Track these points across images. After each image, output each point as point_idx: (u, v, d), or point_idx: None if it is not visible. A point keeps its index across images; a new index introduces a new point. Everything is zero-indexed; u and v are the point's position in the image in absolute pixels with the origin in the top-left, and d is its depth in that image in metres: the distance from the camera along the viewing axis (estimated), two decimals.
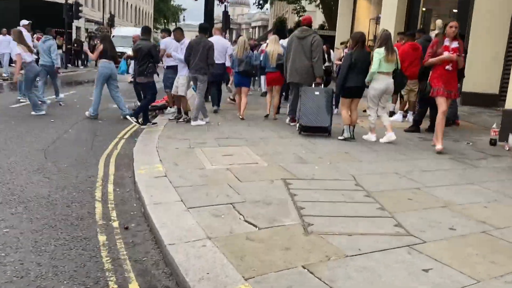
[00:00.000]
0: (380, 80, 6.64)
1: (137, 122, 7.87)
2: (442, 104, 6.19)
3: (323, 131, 7.11)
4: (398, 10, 12.41)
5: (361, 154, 5.90)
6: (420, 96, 7.87)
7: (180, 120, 8.17)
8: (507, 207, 4.00)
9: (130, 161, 5.44)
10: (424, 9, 12.93)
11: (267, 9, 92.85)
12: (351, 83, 6.74)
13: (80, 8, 25.35)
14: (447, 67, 6.15)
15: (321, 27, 28.98)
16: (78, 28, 45.32)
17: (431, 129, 7.75)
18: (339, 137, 6.89)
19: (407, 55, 8.53)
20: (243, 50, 8.81)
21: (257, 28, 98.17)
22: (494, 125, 6.77)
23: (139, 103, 8.98)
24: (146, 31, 8.27)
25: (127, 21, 55.93)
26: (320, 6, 31.18)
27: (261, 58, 9.13)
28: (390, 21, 12.52)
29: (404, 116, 9.08)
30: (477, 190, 4.50)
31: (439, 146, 6.15)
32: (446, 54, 6.12)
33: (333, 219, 3.50)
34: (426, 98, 7.64)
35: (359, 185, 4.46)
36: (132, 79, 10.03)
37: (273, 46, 8.71)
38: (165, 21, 75.21)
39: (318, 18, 43.92)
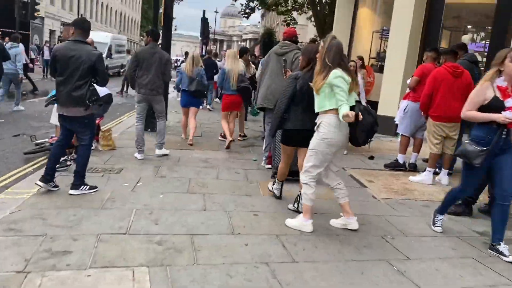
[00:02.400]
0: (339, 125, 3.64)
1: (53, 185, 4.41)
2: None
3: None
4: (414, 22, 9.43)
5: None
6: None
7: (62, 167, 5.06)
8: None
9: None
10: (445, 22, 9.99)
11: (259, 22, 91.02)
12: (293, 124, 4.12)
13: (54, 11, 22.06)
14: None
15: (313, 41, 26.03)
16: (52, 32, 42.20)
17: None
18: (289, 206, 4.38)
19: (440, 83, 5.53)
20: (192, 67, 7.02)
21: (248, 41, 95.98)
22: None
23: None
24: (80, 25, 4.47)
25: (110, 27, 52.78)
26: (312, 19, 28.48)
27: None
28: (402, 35, 9.52)
29: (435, 174, 5.95)
30: None
31: None
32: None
33: None
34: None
35: None
36: None
37: (233, 64, 7.00)
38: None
39: (310, 32, 41.35)
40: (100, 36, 26.45)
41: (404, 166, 6.46)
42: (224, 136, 7.89)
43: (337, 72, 3.56)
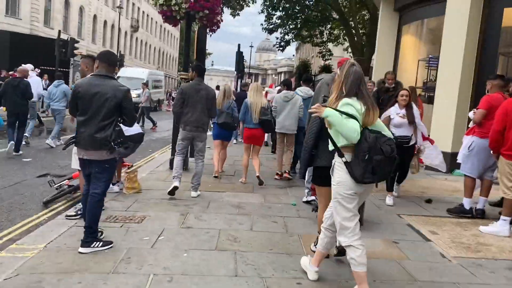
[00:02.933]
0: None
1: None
2: None
3: None
4: (467, 49, 8.58)
5: None
6: None
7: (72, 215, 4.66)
8: None
9: None
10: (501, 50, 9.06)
11: (293, 55, 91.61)
12: (323, 160, 3.62)
13: (95, 49, 22.63)
14: None
15: None
16: None
17: None
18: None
19: None
20: (223, 100, 6.94)
21: (282, 74, 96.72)
22: None
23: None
24: (105, 58, 3.94)
25: (149, 64, 54.29)
26: (349, 50, 27.90)
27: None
28: (454, 63, 8.68)
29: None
30: None
31: None
32: None
33: None
34: None
35: None
36: None
37: (255, 96, 6.81)
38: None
39: None
40: (137, 72, 26.96)
41: (471, 213, 5.50)
42: (280, 175, 7.41)
43: (346, 100, 3.03)
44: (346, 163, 2.96)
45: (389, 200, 5.93)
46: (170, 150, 8.11)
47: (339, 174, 3.04)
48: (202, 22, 7.55)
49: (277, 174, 7.45)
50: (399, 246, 4.27)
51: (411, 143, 5.85)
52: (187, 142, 5.94)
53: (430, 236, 4.66)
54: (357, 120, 2.93)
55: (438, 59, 9.38)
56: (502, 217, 4.88)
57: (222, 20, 8.16)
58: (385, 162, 2.92)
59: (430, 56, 11.30)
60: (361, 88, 3.09)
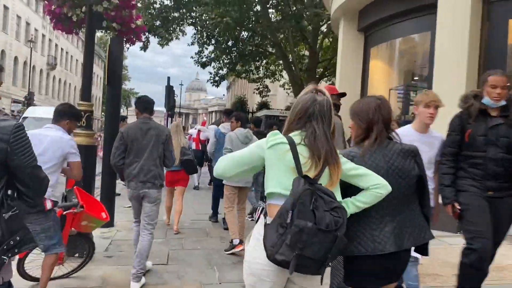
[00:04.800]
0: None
1: None
2: None
3: None
4: (469, 71, 6.70)
5: None
6: None
7: None
8: None
9: None
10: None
11: (223, 94, 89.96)
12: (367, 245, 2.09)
13: (3, 88, 18.69)
14: None
15: (288, 108, 23.68)
16: None
17: None
18: None
19: None
20: None
21: (214, 113, 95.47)
22: None
23: None
24: None
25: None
26: (285, 86, 26.44)
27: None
28: (452, 88, 6.70)
29: None
30: None
31: None
32: None
33: None
34: None
35: None
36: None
37: (175, 136, 5.77)
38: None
39: (280, 100, 39.41)
40: (50, 112, 22.94)
41: None
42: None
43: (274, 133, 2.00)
44: (265, 224, 1.87)
45: None
46: None
47: (251, 247, 1.95)
48: (112, 25, 4.85)
49: (232, 245, 5.12)
50: None
51: None
52: (136, 203, 4.27)
53: None
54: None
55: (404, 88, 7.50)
56: None
57: (144, 29, 5.56)
58: (315, 237, 1.67)
59: (399, 85, 9.49)
60: (310, 122, 1.97)
